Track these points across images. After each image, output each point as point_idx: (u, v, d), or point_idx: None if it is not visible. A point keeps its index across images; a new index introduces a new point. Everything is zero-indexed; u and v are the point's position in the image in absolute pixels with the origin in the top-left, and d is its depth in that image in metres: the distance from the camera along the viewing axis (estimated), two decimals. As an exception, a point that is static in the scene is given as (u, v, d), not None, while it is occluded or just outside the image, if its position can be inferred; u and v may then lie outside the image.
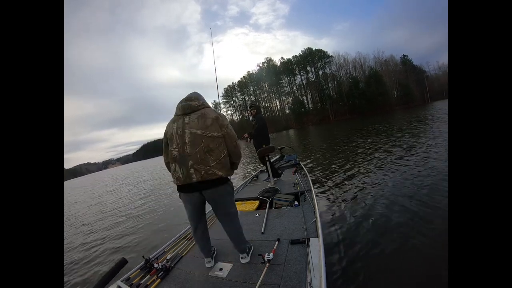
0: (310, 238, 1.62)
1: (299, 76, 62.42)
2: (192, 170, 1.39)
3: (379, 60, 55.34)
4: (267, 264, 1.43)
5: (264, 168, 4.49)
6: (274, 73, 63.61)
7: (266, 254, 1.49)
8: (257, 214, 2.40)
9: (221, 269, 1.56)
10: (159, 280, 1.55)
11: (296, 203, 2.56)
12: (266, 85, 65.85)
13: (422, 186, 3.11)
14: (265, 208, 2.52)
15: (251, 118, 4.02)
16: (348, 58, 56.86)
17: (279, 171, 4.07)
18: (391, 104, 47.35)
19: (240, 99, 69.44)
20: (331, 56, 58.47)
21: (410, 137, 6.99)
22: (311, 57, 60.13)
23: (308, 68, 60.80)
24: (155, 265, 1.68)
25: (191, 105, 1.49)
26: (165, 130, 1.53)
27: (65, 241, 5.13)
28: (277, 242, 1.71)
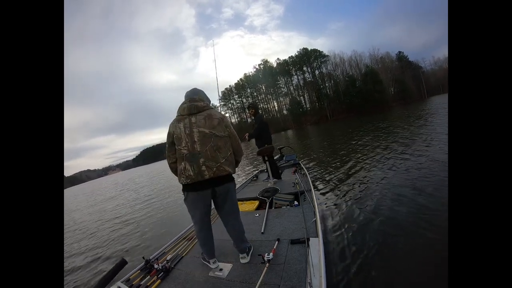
0: (310, 238, 1.63)
1: (295, 77, 62.65)
2: (204, 167, 1.42)
3: (375, 58, 55.75)
4: (267, 264, 1.43)
5: (264, 168, 4.49)
6: (270, 74, 63.76)
7: (266, 254, 1.49)
8: (257, 214, 2.41)
9: (221, 269, 1.56)
10: (159, 280, 1.55)
11: (296, 203, 2.56)
12: (263, 86, 65.97)
13: (422, 184, 3.11)
14: (265, 208, 2.52)
15: (251, 119, 3.99)
16: (344, 57, 57.23)
17: (279, 171, 4.06)
18: (388, 101, 47.53)
19: (237, 101, 69.43)
20: (327, 56, 58.76)
21: (409, 133, 7.01)
22: (307, 57, 60.33)
23: (305, 68, 61.00)
24: (155, 266, 1.68)
25: (197, 106, 1.53)
26: (169, 131, 1.52)
27: (71, 244, 5.13)
28: (277, 242, 1.71)
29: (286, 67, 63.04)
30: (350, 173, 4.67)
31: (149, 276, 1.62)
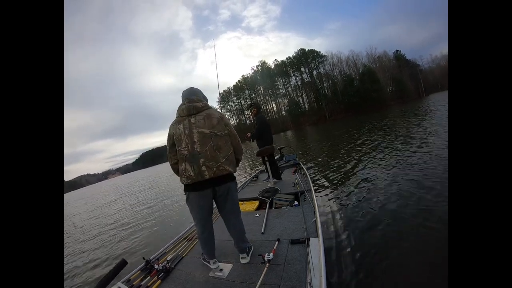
0: (310, 238, 1.63)
1: (293, 78, 62.79)
2: (204, 167, 1.43)
3: (372, 57, 55.99)
4: (267, 264, 1.43)
5: (264, 168, 4.48)
6: (268, 75, 63.86)
7: (266, 254, 1.49)
8: (257, 214, 2.41)
9: (221, 270, 1.56)
10: (159, 281, 1.55)
11: (296, 203, 2.56)
12: (261, 88, 66.04)
13: (423, 183, 3.11)
14: (265, 208, 2.52)
15: (252, 118, 3.96)
16: (342, 56, 57.47)
17: (279, 171, 4.06)
18: (386, 100, 47.72)
19: (236, 103, 69.51)
20: (325, 56, 58.95)
21: (407, 131, 7.01)
22: (305, 57, 60.46)
23: (302, 69, 61.14)
24: (156, 266, 1.68)
25: (196, 106, 1.53)
26: (169, 132, 1.52)
27: (72, 245, 5.13)
28: (277, 242, 1.71)
29: (284, 68, 63.20)
30: (350, 173, 4.67)
31: (149, 277, 1.62)
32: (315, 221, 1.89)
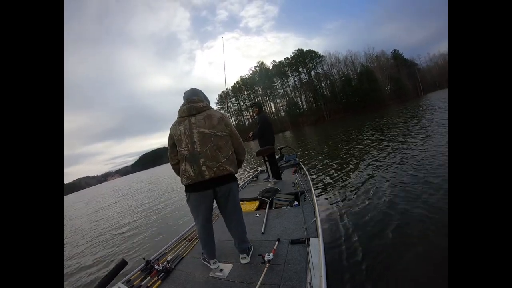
0: (310, 238, 1.62)
1: (292, 78, 63.11)
2: (204, 168, 1.43)
3: (370, 57, 56.41)
4: (267, 264, 1.43)
5: (264, 168, 4.48)
6: (266, 76, 64.16)
7: (266, 254, 1.49)
8: (257, 215, 2.41)
9: (221, 270, 1.56)
10: (159, 281, 1.55)
11: (296, 203, 2.56)
12: (259, 89, 66.19)
13: (423, 183, 3.11)
14: (265, 208, 2.52)
15: (254, 118, 3.95)
16: (339, 56, 57.82)
17: (280, 171, 4.05)
18: (385, 99, 47.97)
19: (235, 104, 69.68)
20: (322, 56, 59.27)
21: (406, 130, 7.01)
22: (303, 58, 60.75)
23: (300, 69, 61.41)
24: (156, 267, 1.68)
25: (197, 107, 1.53)
26: (170, 133, 1.53)
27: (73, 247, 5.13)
28: (277, 242, 1.71)
29: (282, 69, 63.49)
30: (349, 172, 4.67)
31: (149, 277, 1.62)
32: (315, 221, 1.89)
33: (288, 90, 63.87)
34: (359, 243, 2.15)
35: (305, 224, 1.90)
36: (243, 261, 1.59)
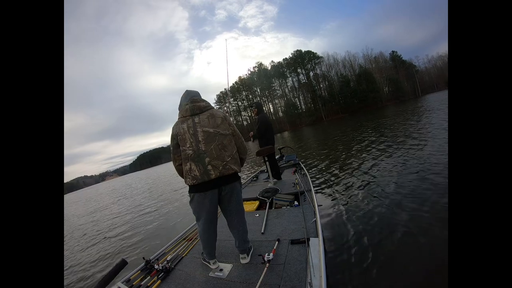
0: (310, 238, 1.62)
1: (290, 79, 63.30)
2: (209, 167, 1.42)
3: (368, 58, 57.04)
4: (267, 264, 1.43)
5: (264, 168, 4.48)
6: (265, 77, 64.34)
7: (266, 254, 1.49)
8: (257, 215, 2.41)
9: (221, 270, 1.56)
10: (159, 281, 1.55)
11: (296, 203, 2.56)
12: (258, 89, 66.30)
13: (424, 183, 3.11)
14: (265, 208, 2.52)
15: (254, 118, 3.94)
16: (338, 57, 58.34)
17: (280, 171, 4.05)
18: (383, 101, 48.61)
19: (233, 104, 69.85)
20: (321, 57, 59.60)
21: (404, 130, 7.01)
22: (301, 59, 61.01)
23: (299, 70, 61.65)
24: (156, 266, 1.68)
25: (200, 106, 1.53)
26: (173, 132, 1.51)
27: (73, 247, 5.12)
28: (277, 242, 1.71)
29: (281, 69, 63.69)
30: (349, 172, 4.67)
31: (149, 277, 1.62)
32: (315, 221, 1.89)
33: (286, 90, 64.23)
34: (359, 243, 2.15)
35: (305, 224, 1.90)
36: (243, 261, 1.59)
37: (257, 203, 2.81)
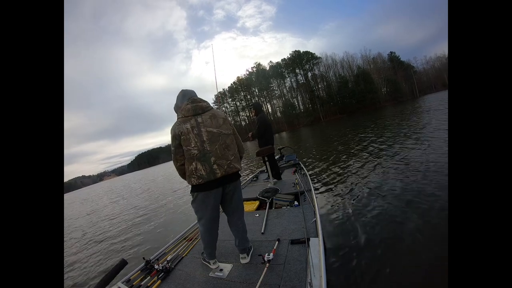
0: (310, 238, 1.63)
1: (288, 79, 63.45)
2: (215, 166, 1.45)
3: (366, 59, 57.22)
4: (267, 264, 1.44)
5: (264, 168, 4.48)
6: (263, 77, 64.44)
7: (266, 254, 1.50)
8: (257, 215, 2.41)
9: (221, 270, 1.56)
10: (159, 281, 1.55)
11: (296, 203, 2.56)
12: (256, 89, 66.42)
13: (424, 183, 3.11)
14: (265, 208, 2.52)
15: (253, 118, 3.96)
16: (336, 58, 58.49)
17: (280, 171, 4.05)
18: (381, 101, 48.76)
19: (231, 105, 70.00)
20: (319, 58, 59.68)
21: (402, 131, 7.02)
22: (299, 59, 61.09)
23: (297, 71, 61.73)
24: (156, 266, 1.68)
25: (202, 106, 1.55)
26: (175, 132, 1.48)
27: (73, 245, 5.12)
28: (277, 242, 1.71)
29: (279, 70, 63.81)
30: (349, 172, 4.67)
31: (149, 277, 1.62)
32: (315, 221, 1.89)
33: (284, 91, 64.31)
34: (359, 243, 2.15)
35: (305, 224, 1.90)
36: (243, 261, 1.60)
37: (257, 203, 2.82)
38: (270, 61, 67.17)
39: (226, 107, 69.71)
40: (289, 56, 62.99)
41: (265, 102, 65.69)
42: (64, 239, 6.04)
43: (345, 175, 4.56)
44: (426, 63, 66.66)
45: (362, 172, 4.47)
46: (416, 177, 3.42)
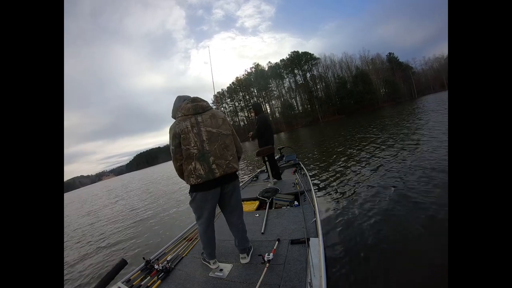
0: (310, 238, 1.63)
1: (287, 80, 63.73)
2: (214, 166, 1.45)
3: (365, 59, 57.52)
4: (267, 264, 1.43)
5: (264, 168, 4.49)
6: (262, 77, 64.65)
7: (266, 254, 1.50)
8: (257, 215, 2.41)
9: (221, 270, 1.56)
10: (159, 281, 1.55)
11: (296, 203, 2.56)
12: (255, 90, 66.56)
13: (425, 183, 3.11)
14: (265, 208, 2.52)
15: (254, 119, 3.97)
16: (335, 59, 58.78)
17: (280, 171, 4.05)
18: (379, 102, 49.04)
19: (230, 105, 70.15)
20: (318, 58, 59.86)
21: (400, 131, 7.03)
22: (298, 60, 61.31)
23: (296, 71, 61.99)
24: (156, 266, 1.68)
25: (202, 105, 1.55)
26: (175, 131, 1.46)
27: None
28: (277, 242, 1.71)
29: (278, 70, 64.01)
30: (349, 173, 4.67)
31: (149, 277, 1.62)
32: (315, 221, 1.89)
33: (283, 91, 64.51)
34: (359, 243, 2.15)
35: (305, 224, 1.90)
36: (243, 261, 1.60)
37: (257, 203, 2.82)
38: (269, 62, 67.68)
39: (225, 107, 69.78)
40: (288, 57, 63.31)
41: (263, 103, 65.76)
42: (64, 239, 6.03)
43: (345, 175, 4.57)
44: (425, 64, 67.04)
45: (362, 172, 4.48)
46: (416, 177, 3.43)
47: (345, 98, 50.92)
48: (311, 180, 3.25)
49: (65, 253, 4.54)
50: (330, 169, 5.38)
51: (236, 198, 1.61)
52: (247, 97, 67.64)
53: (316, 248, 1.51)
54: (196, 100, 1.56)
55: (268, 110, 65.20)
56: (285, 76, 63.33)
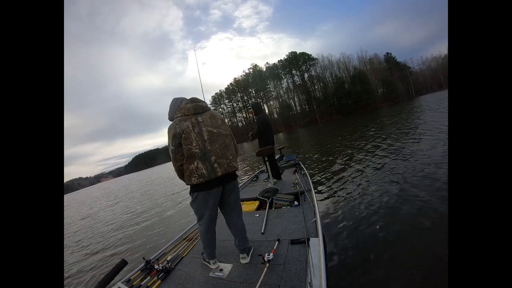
0: (310, 238, 1.63)
1: (285, 80, 63.83)
2: (216, 165, 1.47)
3: (363, 60, 57.74)
4: (267, 264, 1.44)
5: (264, 168, 4.49)
6: (260, 78, 64.83)
7: (266, 254, 1.50)
8: (257, 215, 2.41)
9: (221, 270, 1.56)
10: (159, 281, 1.55)
11: (296, 203, 2.56)
12: (253, 90, 66.67)
13: (424, 183, 3.12)
14: (265, 208, 2.52)
15: (253, 119, 3.98)
16: (333, 59, 58.94)
17: (280, 171, 4.06)
18: (377, 102, 49.26)
19: (228, 106, 70.29)
20: (316, 59, 59.99)
21: (399, 131, 7.05)
22: (296, 60, 61.43)
23: (294, 72, 62.10)
24: (156, 266, 1.68)
25: (202, 106, 1.57)
26: (176, 131, 1.44)
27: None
28: (277, 242, 1.71)
29: (276, 71, 64.14)
30: (350, 173, 4.67)
31: (149, 277, 1.62)
32: (315, 221, 1.89)
33: (281, 92, 64.66)
34: (360, 243, 2.16)
35: (305, 224, 1.90)
36: (243, 261, 1.60)
37: (257, 203, 2.82)
38: (267, 62, 67.80)
39: (223, 108, 69.80)
40: (286, 57, 63.49)
41: (262, 103, 65.72)
42: (65, 238, 6.00)
43: (345, 175, 4.57)
44: (423, 63, 67.33)
45: (362, 171, 4.48)
46: (416, 177, 3.43)
47: (343, 98, 51.11)
48: (311, 180, 3.25)
49: (65, 253, 4.52)
50: (330, 169, 5.39)
51: (235, 198, 1.63)
52: (245, 98, 67.72)
53: (316, 248, 1.51)
54: (195, 100, 1.58)
55: (266, 111, 65.12)
56: (283, 77, 63.48)
